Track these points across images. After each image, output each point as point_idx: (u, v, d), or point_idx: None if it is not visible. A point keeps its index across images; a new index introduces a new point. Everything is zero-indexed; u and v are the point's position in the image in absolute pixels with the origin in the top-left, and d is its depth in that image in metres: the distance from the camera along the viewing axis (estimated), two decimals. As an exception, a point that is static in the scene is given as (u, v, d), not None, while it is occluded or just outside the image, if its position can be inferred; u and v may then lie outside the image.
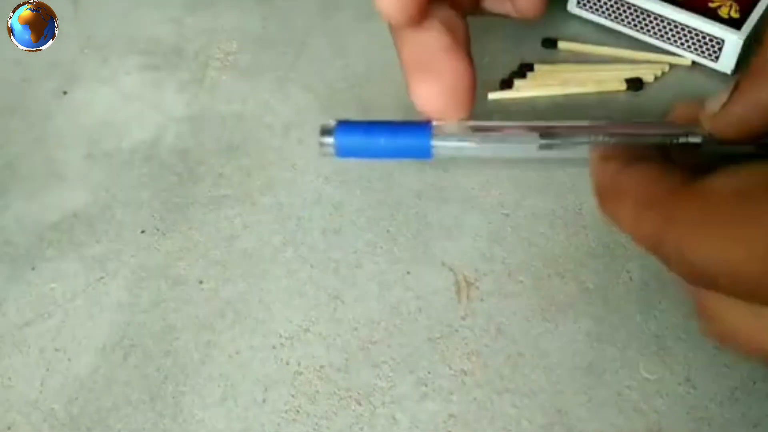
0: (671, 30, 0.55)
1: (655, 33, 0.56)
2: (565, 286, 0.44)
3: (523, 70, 0.57)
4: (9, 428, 0.39)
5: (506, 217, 0.47)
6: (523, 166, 0.50)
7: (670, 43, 0.56)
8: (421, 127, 0.20)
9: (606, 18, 0.58)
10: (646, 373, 0.40)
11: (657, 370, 0.40)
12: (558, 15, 0.59)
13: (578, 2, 0.58)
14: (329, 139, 0.20)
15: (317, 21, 0.61)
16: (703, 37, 0.54)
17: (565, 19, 0.59)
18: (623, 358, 0.41)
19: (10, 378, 0.41)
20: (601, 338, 0.42)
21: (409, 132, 0.21)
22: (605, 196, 0.27)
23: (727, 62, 0.54)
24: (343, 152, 0.20)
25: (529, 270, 0.45)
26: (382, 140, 0.20)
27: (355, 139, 0.20)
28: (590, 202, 0.48)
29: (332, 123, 0.20)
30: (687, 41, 0.55)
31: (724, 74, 0.55)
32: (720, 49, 0.54)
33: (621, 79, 0.55)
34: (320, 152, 0.20)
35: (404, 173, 0.50)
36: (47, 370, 0.41)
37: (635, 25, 0.57)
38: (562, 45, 0.58)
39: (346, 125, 0.20)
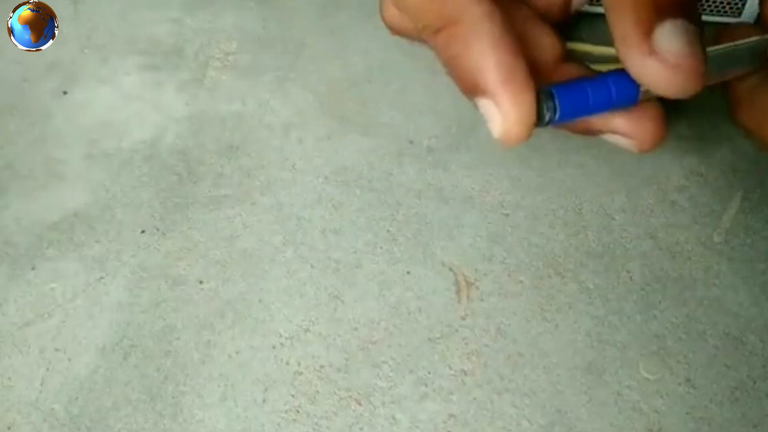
0: None
1: None
2: (565, 286, 0.44)
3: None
4: (9, 428, 0.39)
5: (506, 217, 0.47)
6: (523, 165, 0.50)
7: None
8: (623, 75, 0.20)
9: None
10: (646, 373, 0.40)
11: (657, 370, 0.40)
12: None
13: None
14: (551, 104, 0.19)
15: (317, 21, 0.61)
16: None
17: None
18: (623, 358, 0.41)
19: (10, 378, 0.41)
20: (601, 338, 0.42)
21: (617, 82, 0.20)
22: (746, 108, 0.26)
23: (750, 12, 0.57)
24: (564, 114, 0.19)
25: (529, 270, 0.45)
26: (591, 95, 0.20)
27: (574, 100, 0.19)
28: (590, 202, 0.48)
29: (545, 89, 0.19)
30: (711, 2, 0.58)
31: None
32: (744, 3, 0.57)
33: (621, 78, 0.55)
34: (540, 124, 0.19)
35: (404, 173, 0.50)
36: (47, 370, 0.41)
37: None
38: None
39: (558, 89, 0.20)
